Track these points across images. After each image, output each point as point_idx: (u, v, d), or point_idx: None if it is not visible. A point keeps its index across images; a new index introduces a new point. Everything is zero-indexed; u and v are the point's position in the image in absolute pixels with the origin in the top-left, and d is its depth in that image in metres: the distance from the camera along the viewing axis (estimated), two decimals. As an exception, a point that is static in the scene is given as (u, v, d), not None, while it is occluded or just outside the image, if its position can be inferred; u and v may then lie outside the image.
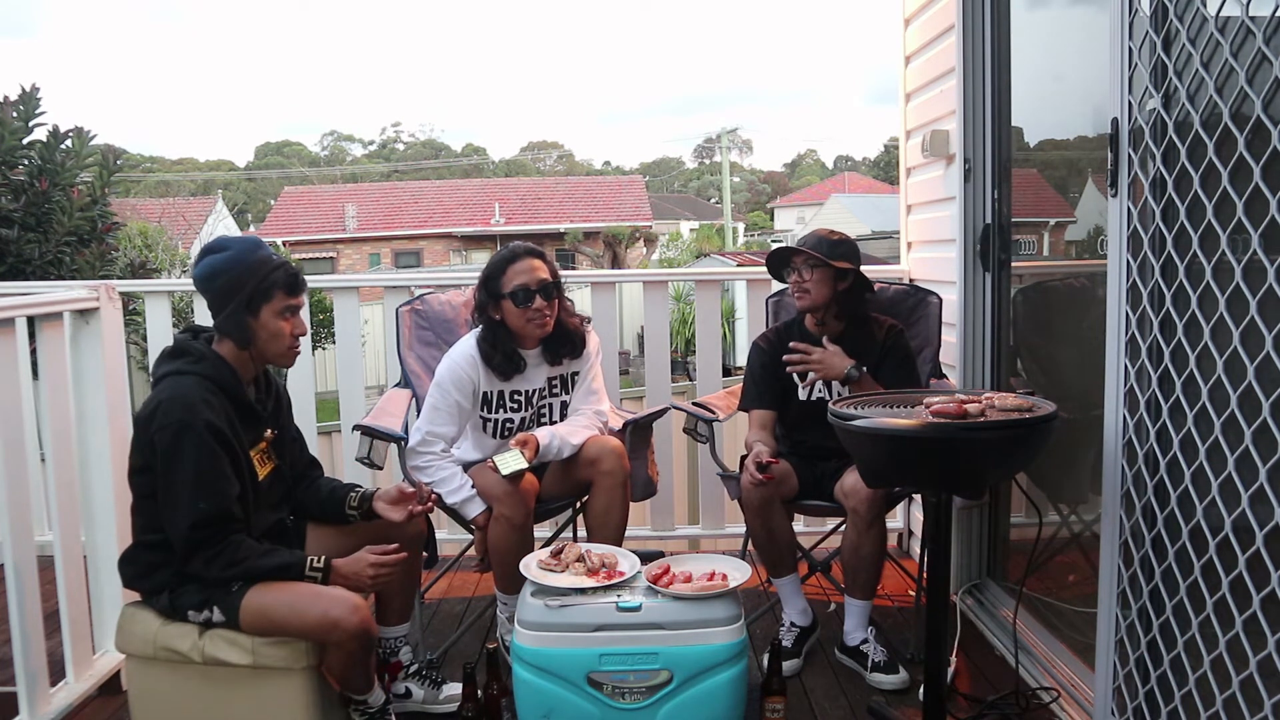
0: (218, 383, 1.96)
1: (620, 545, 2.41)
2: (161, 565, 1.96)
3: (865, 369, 2.56)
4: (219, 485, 1.89)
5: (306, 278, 2.67)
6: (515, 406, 2.60)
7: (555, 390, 2.65)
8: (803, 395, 2.69)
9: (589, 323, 2.71)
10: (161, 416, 1.89)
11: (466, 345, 2.58)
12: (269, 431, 2.10)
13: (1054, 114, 2.58)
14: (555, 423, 2.63)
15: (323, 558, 1.98)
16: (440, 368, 2.59)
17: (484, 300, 2.52)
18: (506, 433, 2.60)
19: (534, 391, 2.61)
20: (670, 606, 2.03)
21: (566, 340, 2.59)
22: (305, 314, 2.32)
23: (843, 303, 2.63)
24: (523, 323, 2.49)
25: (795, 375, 2.65)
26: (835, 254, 2.60)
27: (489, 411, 2.59)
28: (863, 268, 2.67)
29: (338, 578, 1.97)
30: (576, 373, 2.67)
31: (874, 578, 2.49)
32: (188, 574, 1.94)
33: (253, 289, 1.98)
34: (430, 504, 2.20)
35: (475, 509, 2.44)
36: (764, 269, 2.85)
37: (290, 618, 1.91)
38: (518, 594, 2.38)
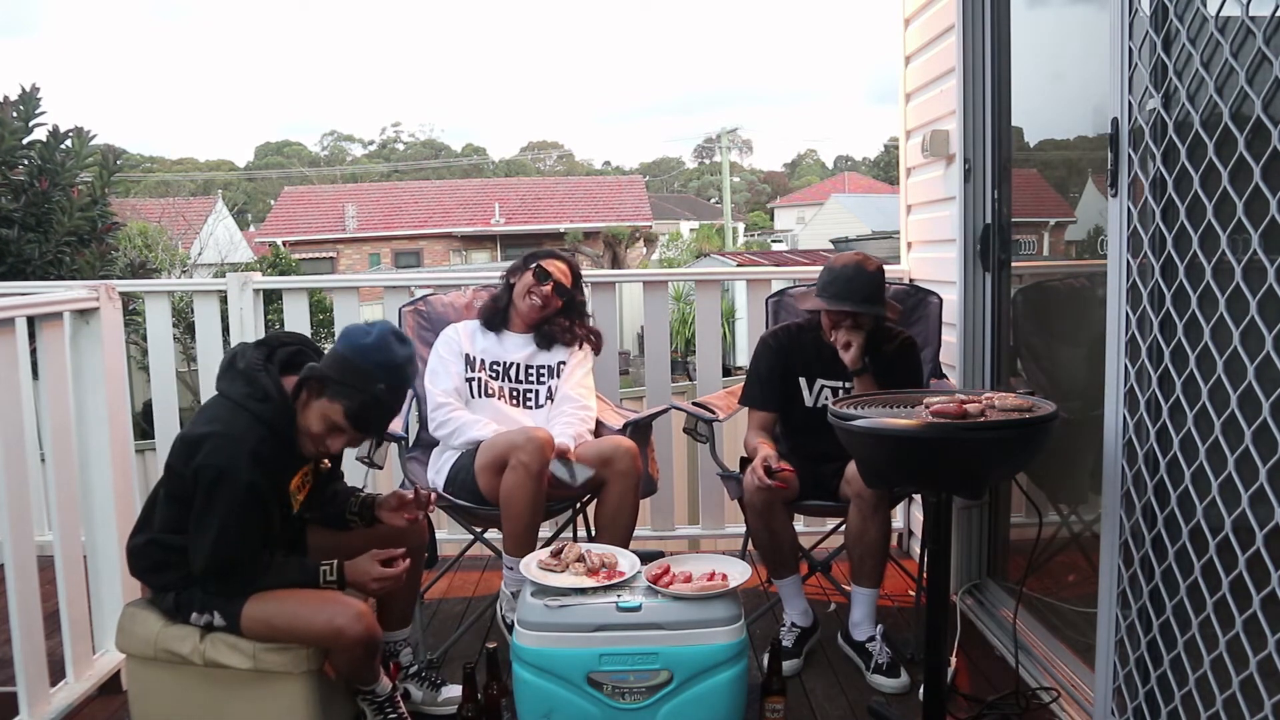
0: (274, 428, 1.91)
1: (627, 546, 2.42)
2: (174, 565, 1.97)
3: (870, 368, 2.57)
4: (241, 540, 1.89)
5: (307, 278, 2.62)
6: (494, 375, 2.76)
7: (542, 377, 2.78)
8: (808, 402, 2.68)
9: (597, 340, 2.89)
10: (208, 453, 1.85)
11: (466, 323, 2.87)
12: (324, 462, 2.08)
13: (1054, 114, 2.58)
14: (541, 406, 2.76)
15: (334, 567, 1.97)
16: (435, 342, 2.84)
17: (516, 266, 2.85)
18: (489, 393, 2.73)
19: (511, 365, 2.77)
20: (670, 606, 2.03)
21: (560, 333, 2.81)
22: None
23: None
24: (524, 292, 2.77)
25: (801, 379, 2.68)
26: (880, 298, 2.53)
27: (471, 371, 2.75)
28: (898, 308, 2.72)
29: (347, 583, 1.99)
30: (563, 362, 2.79)
31: (880, 564, 2.49)
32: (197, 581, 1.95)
33: (333, 378, 1.89)
34: (431, 506, 2.20)
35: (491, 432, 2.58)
36: (764, 269, 2.85)
37: (294, 626, 1.92)
38: (525, 559, 2.41)
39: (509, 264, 2.92)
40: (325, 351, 2.02)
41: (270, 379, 1.93)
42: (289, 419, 1.93)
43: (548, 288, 2.75)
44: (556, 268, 2.79)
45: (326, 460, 2.09)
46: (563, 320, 2.81)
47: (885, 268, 2.60)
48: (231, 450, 1.85)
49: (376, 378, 1.91)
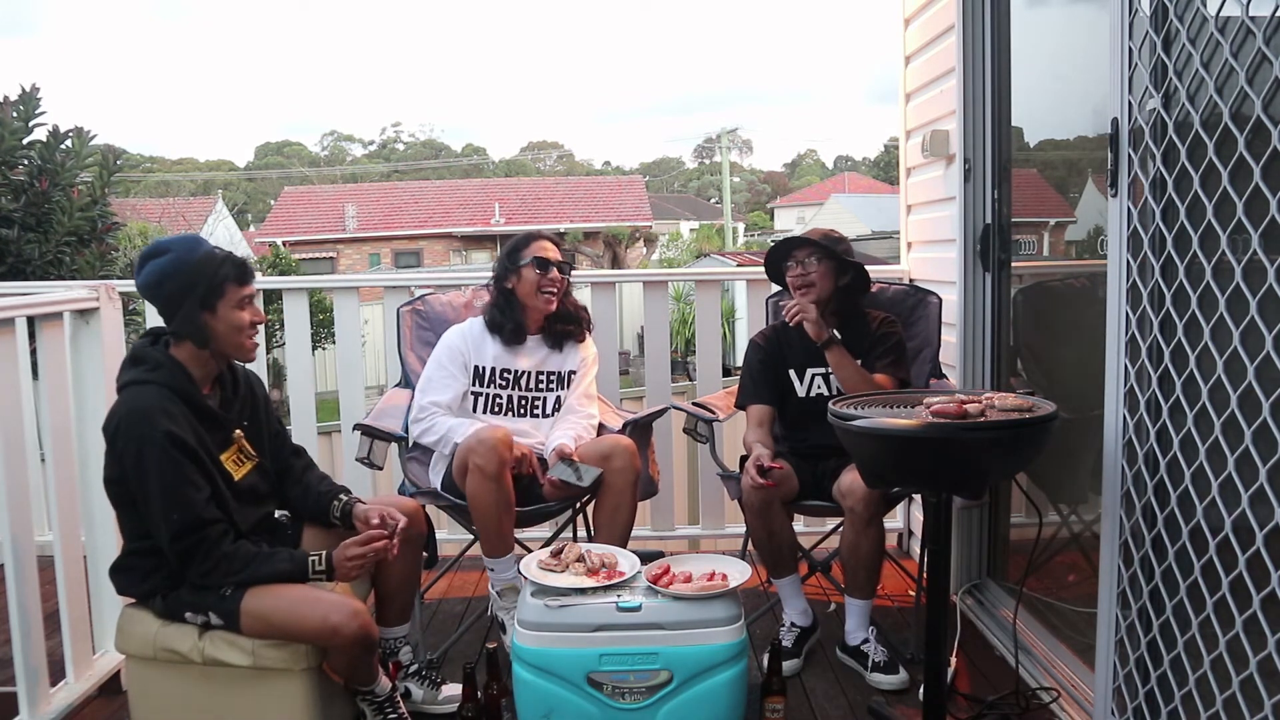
0: (176, 390, 1.94)
1: (625, 546, 2.41)
2: (153, 571, 1.97)
3: (841, 339, 2.59)
4: (185, 494, 1.88)
5: (307, 278, 2.61)
6: (504, 384, 2.69)
7: (551, 385, 2.73)
8: (801, 393, 2.69)
9: (588, 319, 2.84)
10: (124, 434, 1.89)
11: (463, 323, 2.77)
12: (237, 431, 2.08)
13: (1054, 114, 2.58)
14: (549, 415, 2.72)
15: (323, 556, 1.97)
16: (435, 347, 2.74)
17: (503, 271, 2.71)
18: (496, 409, 2.68)
19: (523, 374, 2.70)
20: (670, 606, 2.03)
21: (570, 320, 2.75)
22: (259, 302, 2.29)
23: (841, 299, 2.66)
24: (534, 291, 2.66)
25: (792, 371, 2.70)
26: (838, 249, 2.64)
27: (479, 385, 2.68)
28: (868, 272, 2.72)
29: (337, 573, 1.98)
30: (574, 372, 2.75)
31: (873, 577, 2.50)
32: (183, 580, 1.94)
33: (205, 288, 1.95)
34: (397, 540, 2.07)
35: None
36: (764, 269, 2.85)
37: (290, 623, 1.91)
38: (505, 557, 2.42)
39: (494, 267, 2.79)
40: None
41: (158, 351, 1.98)
42: (187, 380, 1.97)
43: (554, 273, 2.67)
44: (548, 250, 2.70)
45: (238, 429, 2.08)
46: (566, 308, 2.74)
47: (885, 268, 2.63)
48: (140, 418, 1.88)
49: (207, 252, 1.99)
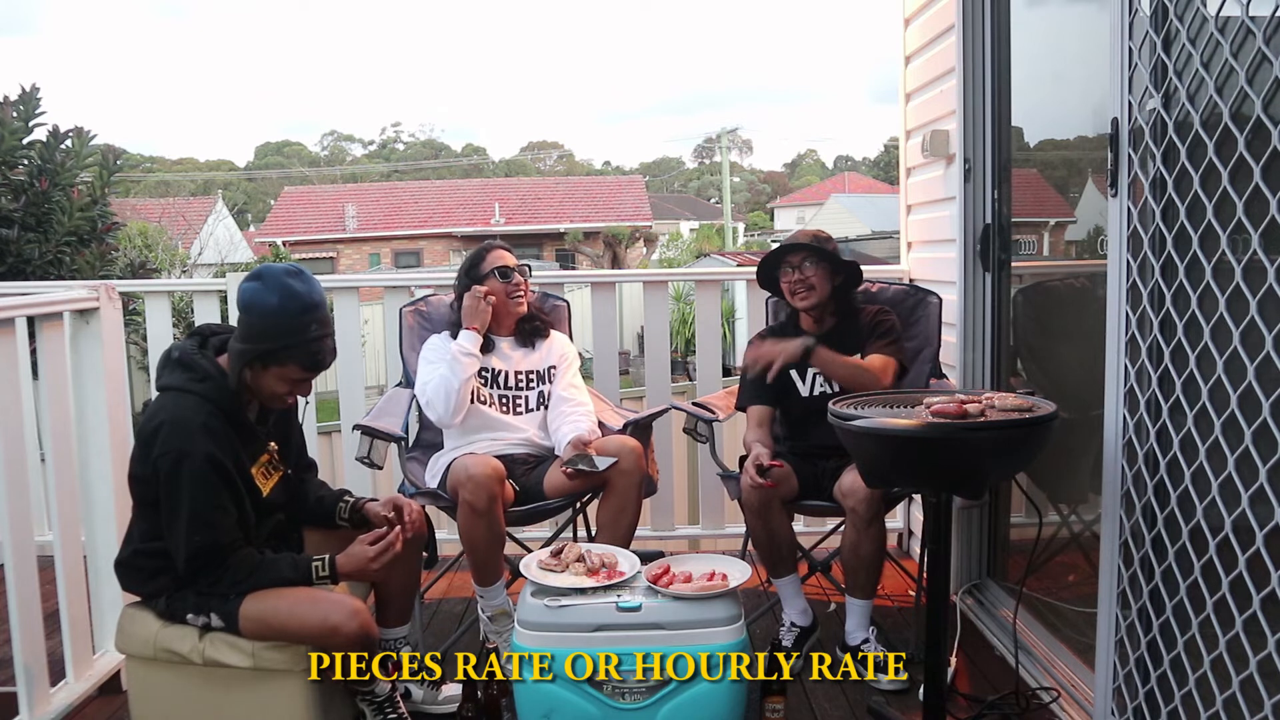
0: (220, 404, 1.93)
1: (628, 546, 2.42)
2: (160, 571, 1.97)
3: (820, 341, 2.56)
4: (214, 519, 1.88)
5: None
6: (484, 381, 2.72)
7: (532, 383, 2.76)
8: (804, 392, 2.69)
9: (552, 323, 2.91)
10: (163, 442, 1.87)
11: (440, 335, 2.80)
12: (272, 444, 2.08)
13: (1054, 114, 2.58)
14: (532, 410, 2.75)
15: (326, 561, 1.97)
16: (420, 356, 2.79)
17: (464, 287, 2.73)
18: (480, 399, 2.70)
19: (502, 372, 2.74)
20: (670, 606, 2.03)
21: (532, 318, 2.82)
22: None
23: (837, 298, 2.66)
24: (504, 299, 2.71)
25: (793, 371, 2.68)
26: (828, 250, 2.65)
27: None
28: (861, 267, 2.73)
29: (342, 575, 1.98)
30: (553, 367, 2.79)
31: (874, 577, 2.50)
32: (188, 584, 1.94)
33: (269, 350, 1.92)
34: (411, 528, 2.11)
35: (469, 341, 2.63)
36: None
37: (290, 624, 1.91)
38: (493, 586, 2.43)
39: (455, 285, 2.82)
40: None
41: (206, 360, 1.96)
42: (231, 395, 1.95)
43: (517, 278, 2.74)
44: (506, 258, 2.76)
45: (274, 443, 2.08)
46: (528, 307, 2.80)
47: (885, 268, 2.63)
48: (183, 431, 1.87)
49: (305, 324, 1.93)
